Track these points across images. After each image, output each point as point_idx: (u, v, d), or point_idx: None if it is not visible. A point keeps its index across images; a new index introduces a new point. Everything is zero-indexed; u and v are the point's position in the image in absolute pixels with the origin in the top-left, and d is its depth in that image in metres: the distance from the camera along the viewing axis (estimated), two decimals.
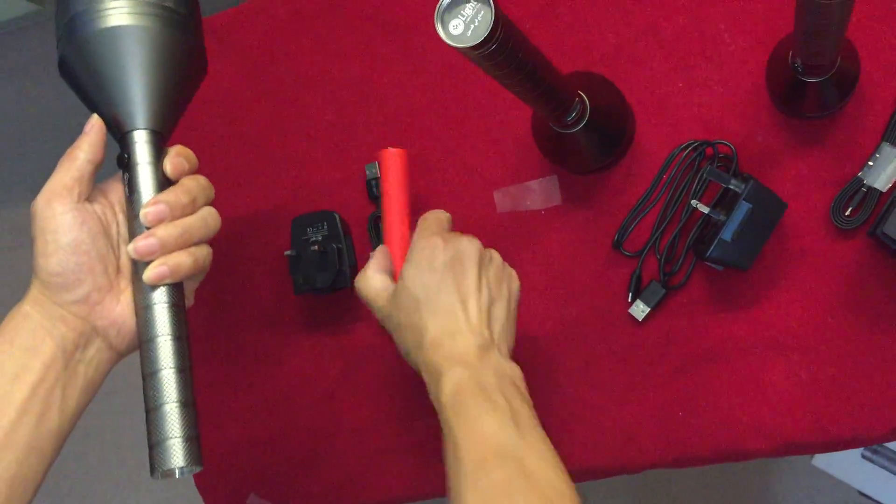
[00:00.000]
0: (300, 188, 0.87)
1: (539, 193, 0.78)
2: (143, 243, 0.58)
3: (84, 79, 0.61)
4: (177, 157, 0.62)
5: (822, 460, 1.23)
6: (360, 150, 0.85)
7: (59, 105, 1.84)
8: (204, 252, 0.63)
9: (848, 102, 0.69)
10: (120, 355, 0.63)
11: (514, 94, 0.59)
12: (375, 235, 0.82)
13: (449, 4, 0.47)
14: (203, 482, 0.89)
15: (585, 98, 0.69)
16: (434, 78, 0.83)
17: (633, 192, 0.75)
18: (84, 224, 0.59)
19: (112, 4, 0.59)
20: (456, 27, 0.46)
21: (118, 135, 0.62)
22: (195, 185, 0.62)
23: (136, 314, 0.60)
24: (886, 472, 1.18)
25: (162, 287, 0.59)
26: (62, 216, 0.58)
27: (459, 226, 0.81)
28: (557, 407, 0.76)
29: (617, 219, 0.75)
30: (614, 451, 0.74)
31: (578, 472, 0.76)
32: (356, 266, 0.83)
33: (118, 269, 0.62)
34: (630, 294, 0.74)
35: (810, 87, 0.66)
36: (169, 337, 0.58)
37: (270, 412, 0.87)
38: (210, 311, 0.89)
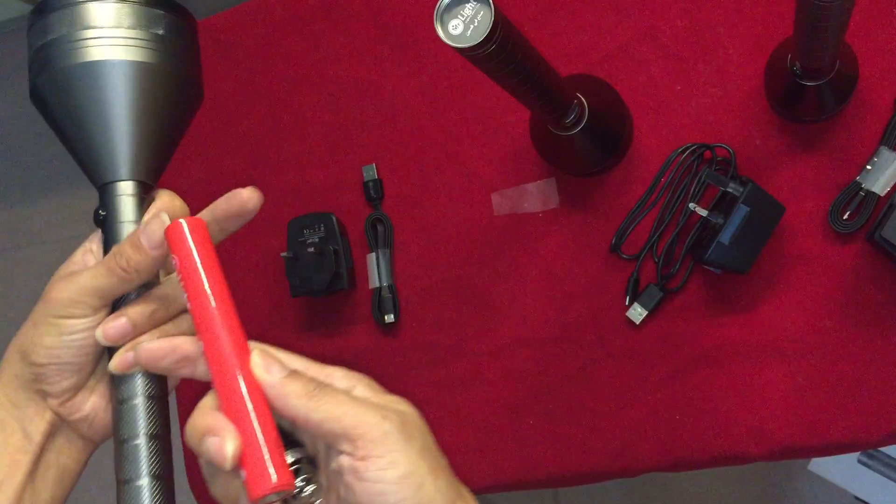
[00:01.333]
0: (297, 190, 0.87)
1: (537, 196, 0.78)
2: (111, 326, 0.49)
3: (60, 115, 0.52)
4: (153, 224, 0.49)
5: (818, 465, 1.23)
6: (357, 151, 0.85)
7: None
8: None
9: (846, 106, 0.68)
10: (95, 444, 0.56)
11: (513, 95, 0.59)
12: (373, 237, 0.82)
13: (448, 4, 0.47)
14: (199, 486, 0.89)
15: (584, 100, 0.68)
16: (431, 80, 0.83)
17: (631, 195, 0.75)
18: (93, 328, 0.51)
19: (96, 34, 0.50)
20: (455, 27, 0.46)
21: (97, 184, 0.52)
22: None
23: (112, 409, 0.51)
24: (882, 477, 1.18)
25: (137, 378, 0.50)
26: (81, 321, 0.50)
27: (458, 228, 0.81)
28: (554, 410, 0.76)
29: (615, 222, 0.75)
30: (612, 454, 0.74)
31: (575, 476, 0.75)
32: (353, 268, 0.83)
33: (94, 360, 0.53)
34: (627, 297, 0.74)
35: (809, 91, 0.66)
36: (143, 437, 0.49)
37: None
38: None
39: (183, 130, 0.57)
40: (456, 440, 0.79)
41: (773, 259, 0.70)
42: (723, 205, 0.69)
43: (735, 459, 0.71)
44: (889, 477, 1.18)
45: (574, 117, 0.68)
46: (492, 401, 0.78)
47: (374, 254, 0.81)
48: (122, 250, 0.49)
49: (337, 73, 0.87)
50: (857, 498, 1.22)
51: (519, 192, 0.79)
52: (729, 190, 0.67)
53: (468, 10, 0.46)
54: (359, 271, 0.83)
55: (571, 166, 0.75)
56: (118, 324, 0.50)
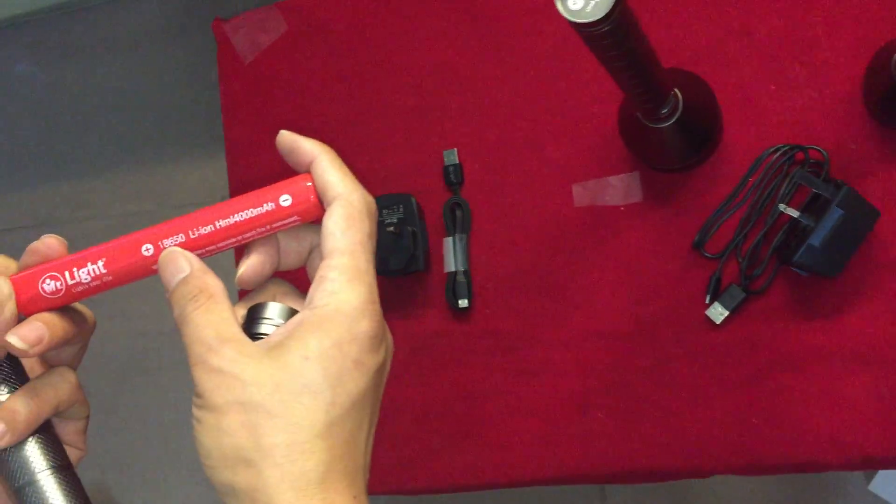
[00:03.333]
0: (377, 170, 0.87)
1: (619, 189, 0.77)
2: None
3: None
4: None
5: (878, 485, 1.20)
6: (439, 136, 0.85)
7: (123, 85, 1.87)
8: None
9: None
10: None
11: (616, 79, 0.59)
12: (451, 221, 0.82)
13: None
14: None
15: (679, 94, 0.68)
16: (517, 68, 0.83)
17: (716, 193, 0.74)
18: None
19: None
20: (575, 3, 0.46)
21: None
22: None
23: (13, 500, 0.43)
24: None
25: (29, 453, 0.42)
26: None
27: (537, 218, 0.80)
28: (624, 405, 0.75)
29: (697, 219, 0.74)
30: (681, 453, 0.73)
31: (644, 473, 0.75)
32: (429, 251, 0.83)
33: None
34: (708, 296, 0.73)
35: None
36: None
37: None
38: None
39: None
40: (521, 429, 0.79)
41: (863, 265, 0.69)
42: (814, 207, 0.68)
43: (811, 467, 0.70)
44: None
45: (668, 110, 0.67)
46: (560, 392, 0.78)
47: (451, 238, 0.81)
48: None
49: (422, 57, 0.87)
50: None
51: (601, 184, 0.78)
52: (822, 192, 0.66)
53: None
54: (434, 255, 0.83)
55: (659, 160, 0.74)
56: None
